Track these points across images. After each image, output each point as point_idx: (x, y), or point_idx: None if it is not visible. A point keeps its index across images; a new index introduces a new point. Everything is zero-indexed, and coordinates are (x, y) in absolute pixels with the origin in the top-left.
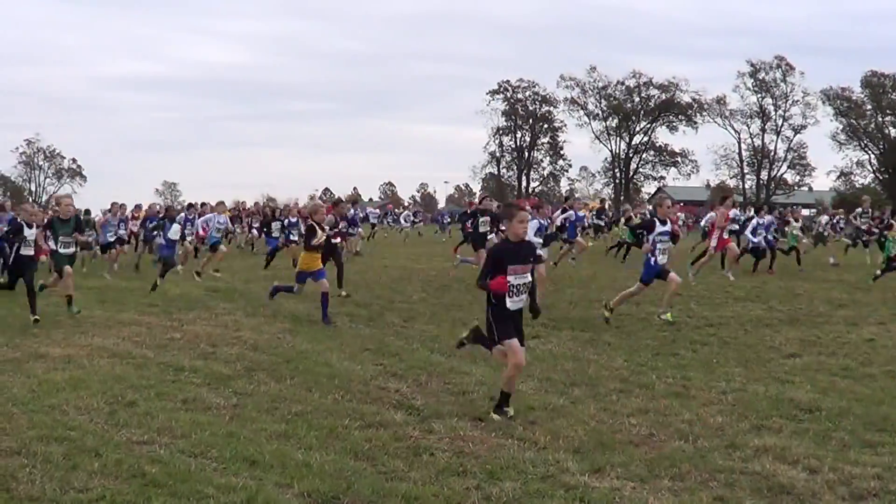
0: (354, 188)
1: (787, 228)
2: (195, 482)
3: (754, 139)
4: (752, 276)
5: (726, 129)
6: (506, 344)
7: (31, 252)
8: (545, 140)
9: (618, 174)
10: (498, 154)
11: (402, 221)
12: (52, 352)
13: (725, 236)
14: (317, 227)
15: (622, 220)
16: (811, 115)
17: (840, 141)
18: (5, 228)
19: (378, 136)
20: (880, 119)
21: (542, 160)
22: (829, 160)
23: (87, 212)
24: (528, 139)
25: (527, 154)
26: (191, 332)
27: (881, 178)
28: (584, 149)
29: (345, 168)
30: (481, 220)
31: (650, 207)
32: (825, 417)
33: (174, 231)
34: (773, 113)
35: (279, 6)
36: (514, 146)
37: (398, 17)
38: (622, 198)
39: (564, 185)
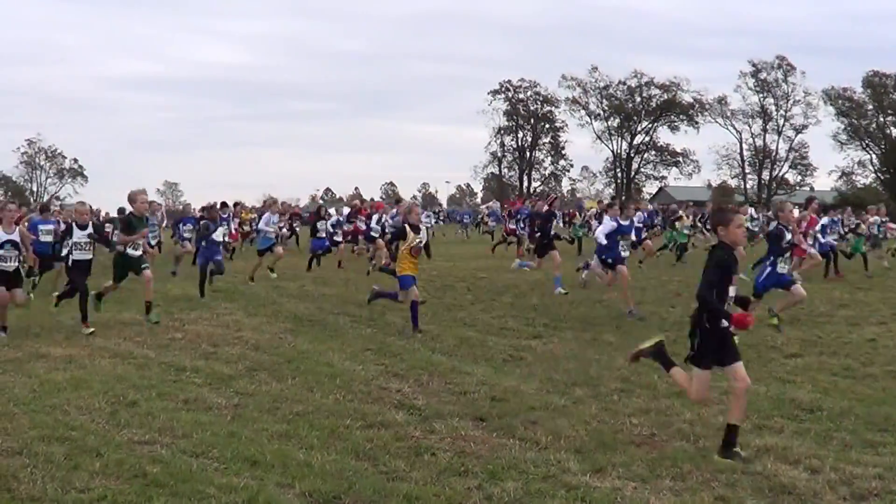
0: (356, 188)
1: (859, 230)
2: (196, 482)
3: (756, 139)
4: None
5: (728, 129)
6: (701, 373)
7: (89, 256)
8: (546, 140)
9: (619, 174)
10: (499, 154)
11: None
12: (53, 352)
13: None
14: (409, 229)
15: (674, 220)
16: (812, 115)
17: (841, 141)
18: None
19: (379, 136)
20: (881, 119)
21: (543, 160)
22: (830, 160)
23: (121, 210)
24: (529, 139)
25: (528, 154)
26: (192, 332)
27: (882, 177)
28: (585, 149)
29: (346, 168)
30: (551, 224)
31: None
32: (826, 417)
33: (219, 233)
34: (774, 113)
35: (280, 6)
36: (515, 146)
37: (399, 17)
38: (623, 198)
39: (566, 185)
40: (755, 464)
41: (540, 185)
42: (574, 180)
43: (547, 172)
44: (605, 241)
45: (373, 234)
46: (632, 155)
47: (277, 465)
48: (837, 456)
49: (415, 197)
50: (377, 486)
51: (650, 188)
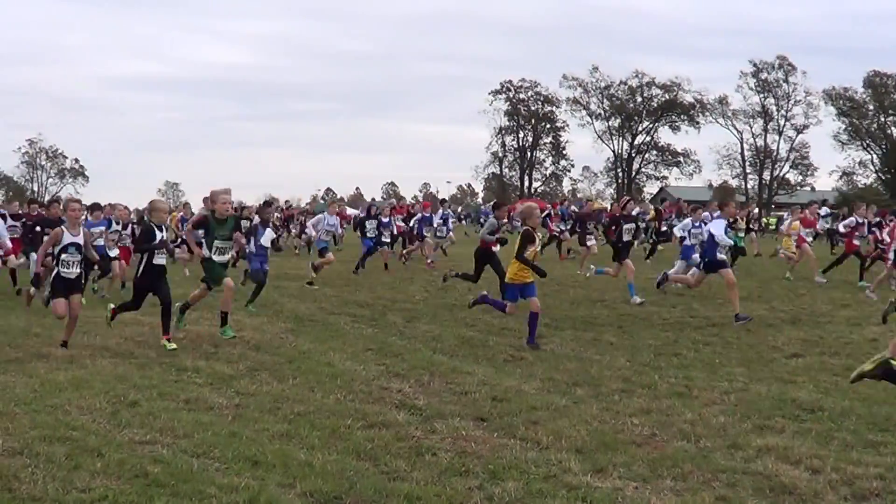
0: (357, 188)
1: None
2: (197, 482)
3: (756, 139)
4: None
5: (728, 129)
6: None
7: (164, 261)
8: (547, 140)
9: (620, 174)
10: (500, 154)
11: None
12: (54, 352)
13: (856, 242)
14: (533, 235)
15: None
16: (813, 115)
17: (842, 141)
18: (104, 229)
19: (380, 136)
20: (882, 119)
21: (544, 160)
22: (831, 160)
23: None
24: (530, 139)
25: (529, 154)
26: (193, 331)
27: (883, 177)
28: (586, 149)
29: (347, 168)
30: (625, 227)
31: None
32: (828, 417)
33: (267, 237)
34: (775, 113)
35: (282, 6)
36: (516, 146)
37: (400, 17)
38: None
39: (567, 186)
40: (756, 464)
41: (541, 185)
42: (575, 180)
43: (548, 172)
44: (726, 241)
45: (424, 233)
46: (633, 155)
47: (278, 465)
48: (838, 456)
49: (416, 197)
50: (378, 486)
51: (651, 188)
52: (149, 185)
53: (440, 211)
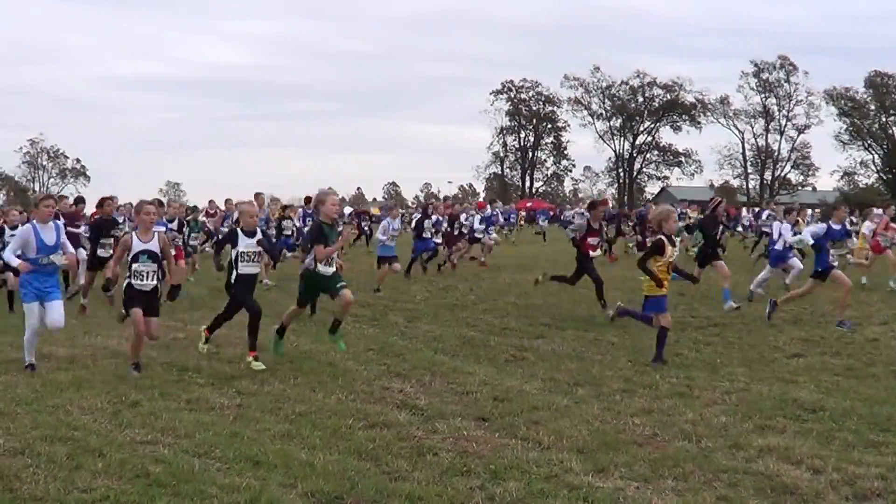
0: (358, 188)
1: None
2: (199, 482)
3: (758, 139)
4: None
5: (730, 129)
6: None
7: (256, 270)
8: (549, 140)
9: (621, 174)
10: (501, 154)
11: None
12: (55, 352)
13: (883, 244)
14: (666, 242)
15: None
16: (815, 115)
17: (843, 141)
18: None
19: (381, 136)
20: (884, 119)
21: (545, 160)
22: (832, 160)
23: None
24: (531, 139)
25: (530, 154)
26: (194, 332)
27: (885, 177)
28: (587, 149)
29: (347, 168)
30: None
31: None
32: (829, 417)
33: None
34: (776, 113)
35: (282, 6)
36: (517, 146)
37: (401, 17)
38: (626, 198)
39: (568, 186)
40: (757, 464)
41: (542, 186)
42: (576, 180)
43: (549, 172)
44: (811, 241)
45: (476, 234)
46: (634, 155)
47: (280, 465)
48: (840, 456)
49: (417, 197)
50: (379, 486)
51: (652, 188)
52: (150, 184)
53: (488, 210)
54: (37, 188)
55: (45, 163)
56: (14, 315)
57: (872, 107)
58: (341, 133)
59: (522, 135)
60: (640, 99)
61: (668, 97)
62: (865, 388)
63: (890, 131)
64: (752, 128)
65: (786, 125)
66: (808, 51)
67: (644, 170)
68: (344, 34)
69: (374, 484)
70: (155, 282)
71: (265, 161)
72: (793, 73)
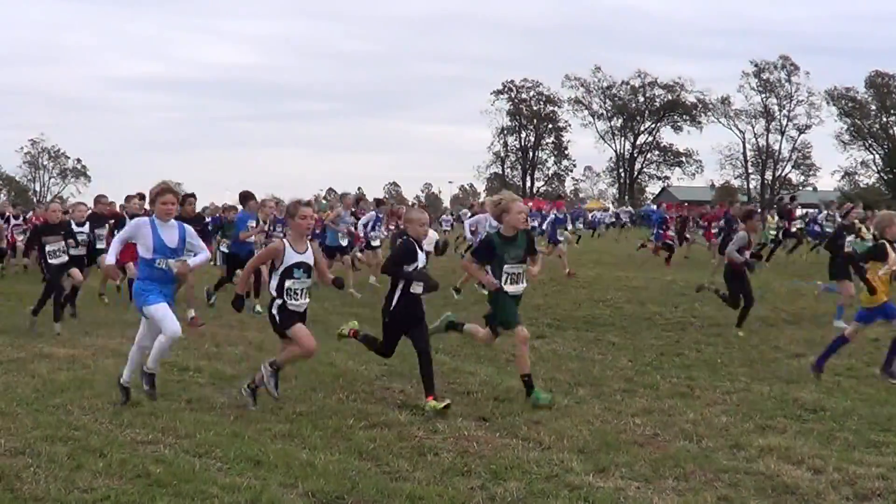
0: (359, 188)
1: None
2: (199, 482)
3: (759, 139)
4: None
5: (731, 129)
6: None
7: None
8: (549, 140)
9: (622, 174)
10: (502, 154)
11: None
12: (56, 352)
13: None
14: (889, 248)
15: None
16: (815, 115)
17: (844, 141)
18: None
19: (381, 136)
20: (885, 119)
21: (546, 160)
22: (833, 160)
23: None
24: (532, 139)
25: (531, 154)
26: (195, 331)
27: (885, 177)
28: (588, 149)
29: (348, 168)
30: (848, 239)
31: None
32: (830, 417)
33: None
34: (777, 113)
35: (283, 6)
36: (518, 146)
37: (402, 17)
38: (626, 197)
39: (569, 186)
40: (758, 464)
41: (543, 186)
42: (577, 180)
43: (550, 172)
44: None
45: (558, 237)
46: (635, 155)
47: (280, 465)
48: (840, 456)
49: (417, 197)
50: (380, 486)
51: (653, 188)
52: (151, 184)
53: (553, 213)
54: (37, 188)
55: (45, 163)
56: (15, 315)
57: (873, 107)
58: (341, 133)
59: (523, 135)
60: (641, 99)
61: (669, 97)
62: (866, 388)
63: (891, 131)
64: (753, 128)
65: (787, 125)
66: (809, 51)
67: (645, 170)
68: (344, 34)
69: (375, 484)
70: (307, 300)
71: (265, 161)
72: (794, 73)
